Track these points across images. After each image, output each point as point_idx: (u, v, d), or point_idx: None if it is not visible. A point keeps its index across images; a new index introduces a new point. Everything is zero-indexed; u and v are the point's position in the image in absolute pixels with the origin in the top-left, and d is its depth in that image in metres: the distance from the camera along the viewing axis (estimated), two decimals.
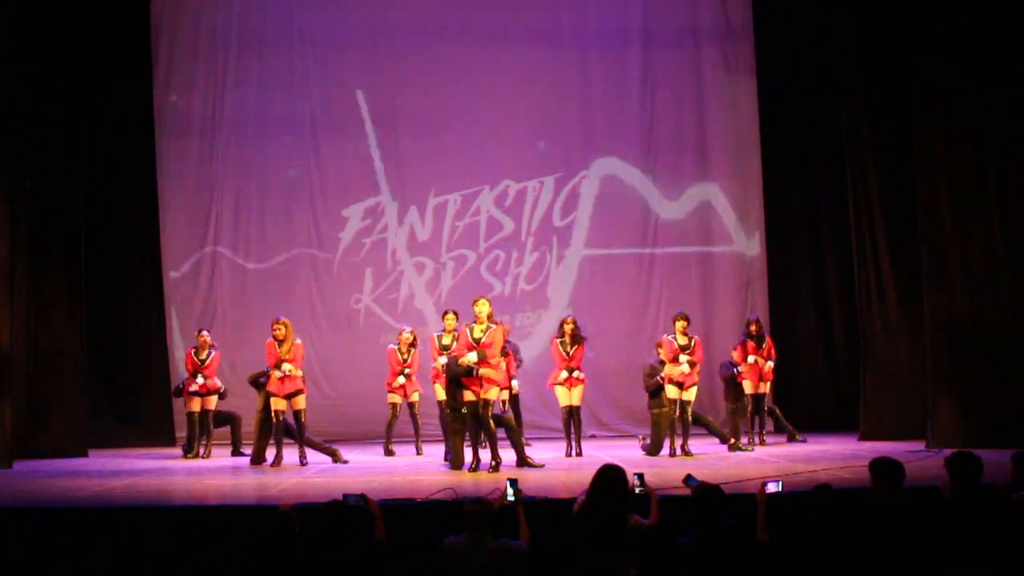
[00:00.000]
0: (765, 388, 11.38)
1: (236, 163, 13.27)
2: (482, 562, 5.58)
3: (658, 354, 10.62)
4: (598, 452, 10.73)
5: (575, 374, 10.66)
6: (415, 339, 11.31)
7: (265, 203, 13.30)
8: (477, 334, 9.24)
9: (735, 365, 11.44)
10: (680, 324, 10.53)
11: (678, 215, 13.48)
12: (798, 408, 12.59)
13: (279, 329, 10.12)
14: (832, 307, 13.32)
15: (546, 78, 13.48)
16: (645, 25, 13.53)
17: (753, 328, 11.39)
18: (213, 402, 11.22)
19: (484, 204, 13.43)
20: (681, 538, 5.58)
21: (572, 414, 10.67)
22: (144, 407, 12.68)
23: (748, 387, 11.27)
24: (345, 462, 10.09)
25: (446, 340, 10.48)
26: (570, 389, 10.66)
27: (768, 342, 11.45)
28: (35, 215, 11.25)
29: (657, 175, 13.47)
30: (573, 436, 10.66)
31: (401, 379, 11.15)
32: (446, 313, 10.69)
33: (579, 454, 10.55)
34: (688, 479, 6.24)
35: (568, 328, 10.70)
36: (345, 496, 6.01)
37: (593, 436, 12.63)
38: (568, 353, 10.64)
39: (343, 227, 13.32)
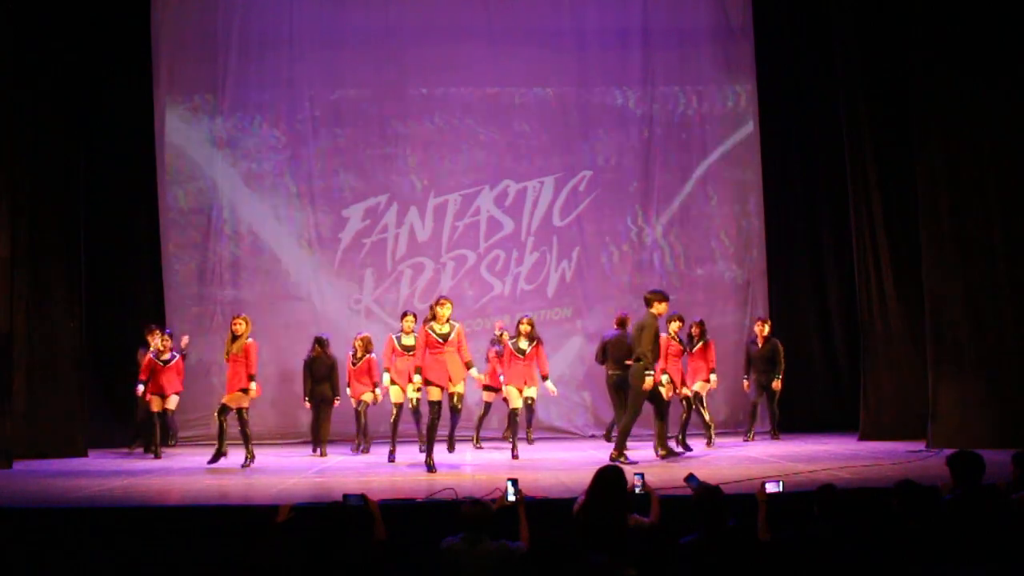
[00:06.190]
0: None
1: (236, 163, 13.27)
2: (480, 563, 5.58)
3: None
4: (600, 453, 10.71)
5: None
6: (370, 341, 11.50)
7: (265, 203, 13.28)
8: (442, 330, 9.35)
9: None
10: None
11: (677, 215, 13.46)
12: (798, 408, 12.60)
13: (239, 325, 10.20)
14: (832, 307, 13.32)
15: (546, 78, 13.47)
16: (645, 25, 13.52)
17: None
18: (174, 402, 11.67)
19: (484, 204, 13.41)
20: (682, 538, 5.58)
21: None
22: (144, 407, 12.67)
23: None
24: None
25: (407, 341, 10.57)
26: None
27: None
28: (35, 215, 11.24)
29: (656, 175, 13.45)
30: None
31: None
32: (405, 315, 10.83)
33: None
34: (689, 479, 6.25)
35: (525, 329, 11.00)
36: (345, 496, 6.01)
37: (593, 436, 12.63)
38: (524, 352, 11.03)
39: (343, 227, 13.31)
